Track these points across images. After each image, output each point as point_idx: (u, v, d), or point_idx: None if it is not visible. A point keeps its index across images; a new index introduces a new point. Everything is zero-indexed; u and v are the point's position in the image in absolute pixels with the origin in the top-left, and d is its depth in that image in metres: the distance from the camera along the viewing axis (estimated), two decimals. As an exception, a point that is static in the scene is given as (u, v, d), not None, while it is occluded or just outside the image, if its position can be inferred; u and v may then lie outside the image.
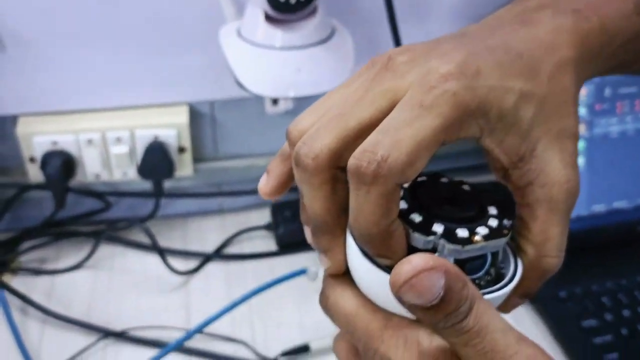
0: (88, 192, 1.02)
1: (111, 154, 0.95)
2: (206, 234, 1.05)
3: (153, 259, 0.98)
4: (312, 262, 0.96)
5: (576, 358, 0.84)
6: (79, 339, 0.86)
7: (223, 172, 1.06)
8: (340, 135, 0.36)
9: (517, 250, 0.40)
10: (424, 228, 0.36)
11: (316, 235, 0.39)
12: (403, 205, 0.37)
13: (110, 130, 0.94)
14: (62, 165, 0.93)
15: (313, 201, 0.37)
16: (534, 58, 0.37)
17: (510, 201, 0.40)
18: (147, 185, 1.00)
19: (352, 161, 0.34)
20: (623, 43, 0.41)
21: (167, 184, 1.01)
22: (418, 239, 0.36)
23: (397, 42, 0.87)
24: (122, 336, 0.87)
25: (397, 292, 0.31)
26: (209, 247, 1.02)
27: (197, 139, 1.02)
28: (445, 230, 0.36)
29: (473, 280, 0.37)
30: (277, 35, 0.78)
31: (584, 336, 0.86)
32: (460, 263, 0.36)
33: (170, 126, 0.95)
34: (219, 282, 0.96)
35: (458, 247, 0.36)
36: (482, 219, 0.38)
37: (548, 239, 0.38)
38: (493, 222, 0.37)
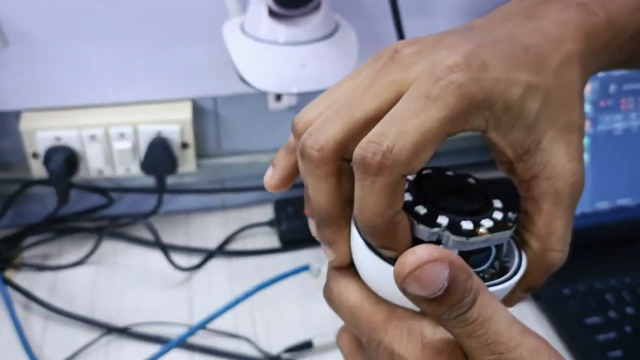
0: (91, 188, 1.02)
1: (114, 150, 0.95)
2: (209, 230, 1.05)
3: (156, 255, 0.98)
4: (315, 258, 0.96)
5: (580, 355, 0.83)
6: (82, 335, 0.86)
7: (226, 168, 1.06)
8: (346, 127, 0.35)
9: (522, 244, 0.40)
10: (429, 220, 0.36)
11: (321, 228, 0.39)
12: (408, 197, 0.37)
13: (113, 125, 0.94)
14: (65, 160, 0.93)
15: (318, 193, 0.37)
16: (540, 51, 0.37)
17: (515, 195, 0.40)
18: (150, 181, 1.00)
19: (358, 152, 0.34)
20: (630, 37, 0.41)
21: (170, 180, 1.01)
22: (422, 230, 0.36)
23: (401, 37, 0.87)
24: (124, 332, 0.87)
25: (401, 283, 0.31)
26: (212, 243, 1.02)
27: (200, 135, 1.02)
28: (449, 222, 0.36)
29: (477, 273, 0.37)
30: (280, 30, 0.78)
31: (588, 333, 0.86)
32: (464, 255, 0.36)
33: (173, 122, 0.95)
34: (222, 278, 0.96)
35: (462, 239, 0.35)
36: (487, 211, 0.38)
37: (553, 232, 0.38)
38: (498, 215, 0.37)
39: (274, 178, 0.41)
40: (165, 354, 0.79)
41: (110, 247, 1.00)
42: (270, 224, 1.05)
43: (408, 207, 0.37)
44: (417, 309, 0.35)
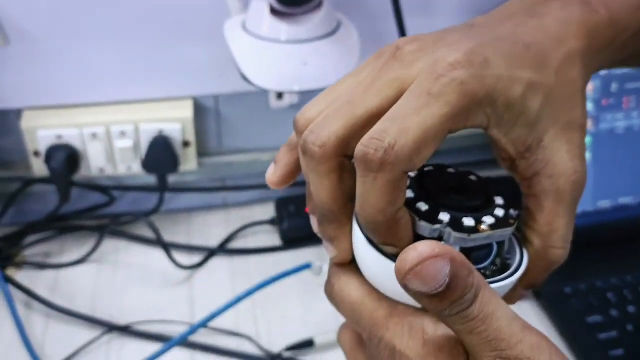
0: (92, 186, 1.02)
1: (115, 148, 0.95)
2: (210, 228, 1.05)
3: (157, 254, 0.98)
4: (316, 257, 0.96)
5: (581, 354, 0.83)
6: (83, 333, 0.86)
7: (227, 166, 1.06)
8: (348, 124, 0.36)
9: (523, 241, 0.40)
10: (431, 217, 0.36)
11: (322, 224, 0.39)
12: (410, 194, 0.37)
13: (114, 124, 0.94)
14: (66, 159, 0.93)
15: (320, 189, 0.37)
16: (542, 49, 0.37)
17: (517, 192, 0.40)
18: (151, 179, 1.00)
19: (360, 148, 0.34)
20: (632, 35, 0.41)
21: (172, 179, 1.01)
22: (424, 227, 0.36)
23: (403, 36, 0.87)
24: (126, 330, 0.87)
25: (403, 279, 0.31)
26: (213, 241, 1.02)
27: (202, 134, 1.02)
28: (451, 219, 0.36)
29: (479, 270, 0.37)
30: (282, 28, 0.78)
31: (589, 332, 0.85)
32: (466, 252, 0.36)
33: (174, 120, 0.95)
34: (223, 276, 0.96)
35: (464, 235, 0.35)
36: (489, 208, 0.38)
37: (554, 230, 0.38)
38: (499, 212, 0.37)
39: (276, 175, 0.41)
40: (167, 352, 0.78)
41: (111, 246, 1.00)
42: (271, 222, 1.05)
43: (410, 204, 0.37)
44: (418, 305, 0.35)
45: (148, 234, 1.00)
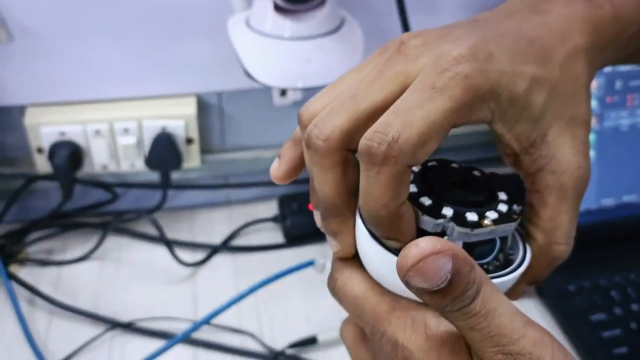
0: (95, 183, 1.02)
1: (119, 145, 0.95)
2: (213, 225, 1.05)
3: (160, 251, 0.98)
4: (319, 254, 0.96)
5: (585, 352, 0.83)
6: (86, 330, 0.86)
7: (230, 163, 1.06)
8: (352, 118, 0.36)
9: (527, 237, 0.40)
10: (434, 211, 0.36)
11: (326, 219, 0.39)
12: (413, 189, 0.37)
13: (117, 121, 0.94)
14: (69, 156, 0.93)
15: (323, 183, 0.37)
16: (546, 45, 0.37)
17: (521, 187, 0.40)
18: (154, 176, 1.00)
19: (363, 141, 0.34)
20: (637, 31, 0.41)
21: (175, 176, 1.01)
22: (427, 221, 0.36)
23: (406, 33, 0.87)
24: (129, 327, 0.87)
25: (404, 275, 0.31)
26: (216, 238, 1.02)
27: (205, 130, 1.02)
28: (454, 213, 0.36)
29: (481, 265, 0.37)
30: (286, 25, 0.78)
31: (593, 330, 0.85)
32: (469, 247, 0.36)
33: (178, 117, 0.95)
34: (226, 273, 0.96)
35: (467, 230, 0.35)
36: (492, 204, 0.38)
37: (557, 226, 0.38)
38: (503, 207, 0.37)
39: (280, 169, 0.41)
40: (170, 349, 0.78)
41: (114, 243, 1.00)
42: (274, 219, 1.05)
43: (413, 199, 0.37)
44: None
45: (151, 231, 1.00)
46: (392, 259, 0.35)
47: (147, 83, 0.95)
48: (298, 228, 1.01)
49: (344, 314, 0.41)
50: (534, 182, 0.39)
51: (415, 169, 0.39)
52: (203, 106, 0.99)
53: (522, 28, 0.38)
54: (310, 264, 0.84)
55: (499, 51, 0.35)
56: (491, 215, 0.36)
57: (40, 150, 0.95)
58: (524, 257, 0.39)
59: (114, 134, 0.94)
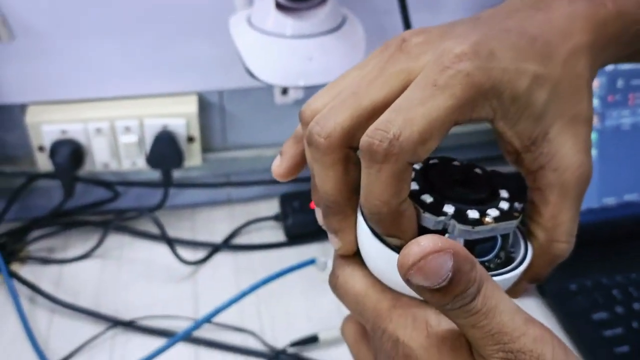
0: (97, 181, 1.02)
1: (120, 143, 0.95)
2: (215, 224, 1.05)
3: (161, 249, 0.98)
4: (320, 252, 0.96)
5: (586, 351, 0.83)
6: (88, 328, 0.86)
7: (232, 162, 1.06)
8: (353, 115, 0.36)
9: (528, 235, 0.40)
10: (435, 209, 0.36)
11: (327, 216, 0.39)
12: (414, 186, 0.37)
13: (119, 119, 0.94)
14: (71, 154, 0.93)
15: (325, 181, 0.37)
16: (549, 43, 0.37)
17: (522, 185, 0.40)
18: (155, 174, 1.00)
19: (365, 139, 0.34)
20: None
21: (176, 174, 1.01)
22: (429, 219, 0.36)
23: (408, 31, 0.87)
24: (130, 325, 0.87)
25: (405, 274, 0.31)
26: (218, 237, 1.02)
27: (206, 129, 1.02)
28: (456, 211, 0.36)
29: (483, 263, 0.37)
30: (287, 23, 0.77)
31: (595, 329, 0.85)
32: (470, 245, 0.36)
33: (179, 115, 0.95)
34: (228, 272, 0.96)
35: (468, 227, 0.35)
36: (494, 201, 0.38)
37: (559, 223, 0.38)
38: (504, 205, 0.37)
39: (281, 166, 0.41)
40: (171, 347, 0.78)
41: (115, 241, 1.00)
42: (276, 218, 1.05)
43: (414, 196, 0.37)
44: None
45: (152, 229, 1.00)
46: (394, 256, 0.35)
47: (148, 81, 0.95)
48: (299, 226, 1.01)
49: (345, 313, 0.41)
50: (535, 180, 0.38)
51: (417, 166, 0.39)
52: (204, 104, 0.99)
53: (524, 26, 0.38)
54: (311, 262, 0.84)
55: (501, 49, 0.35)
56: (492, 212, 0.36)
57: (41, 149, 0.95)
58: (525, 255, 0.39)
59: (115, 133, 0.94)
